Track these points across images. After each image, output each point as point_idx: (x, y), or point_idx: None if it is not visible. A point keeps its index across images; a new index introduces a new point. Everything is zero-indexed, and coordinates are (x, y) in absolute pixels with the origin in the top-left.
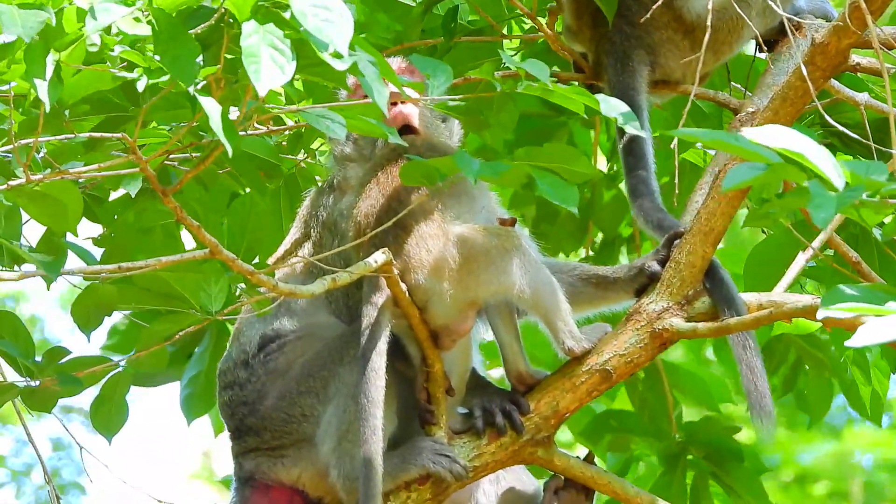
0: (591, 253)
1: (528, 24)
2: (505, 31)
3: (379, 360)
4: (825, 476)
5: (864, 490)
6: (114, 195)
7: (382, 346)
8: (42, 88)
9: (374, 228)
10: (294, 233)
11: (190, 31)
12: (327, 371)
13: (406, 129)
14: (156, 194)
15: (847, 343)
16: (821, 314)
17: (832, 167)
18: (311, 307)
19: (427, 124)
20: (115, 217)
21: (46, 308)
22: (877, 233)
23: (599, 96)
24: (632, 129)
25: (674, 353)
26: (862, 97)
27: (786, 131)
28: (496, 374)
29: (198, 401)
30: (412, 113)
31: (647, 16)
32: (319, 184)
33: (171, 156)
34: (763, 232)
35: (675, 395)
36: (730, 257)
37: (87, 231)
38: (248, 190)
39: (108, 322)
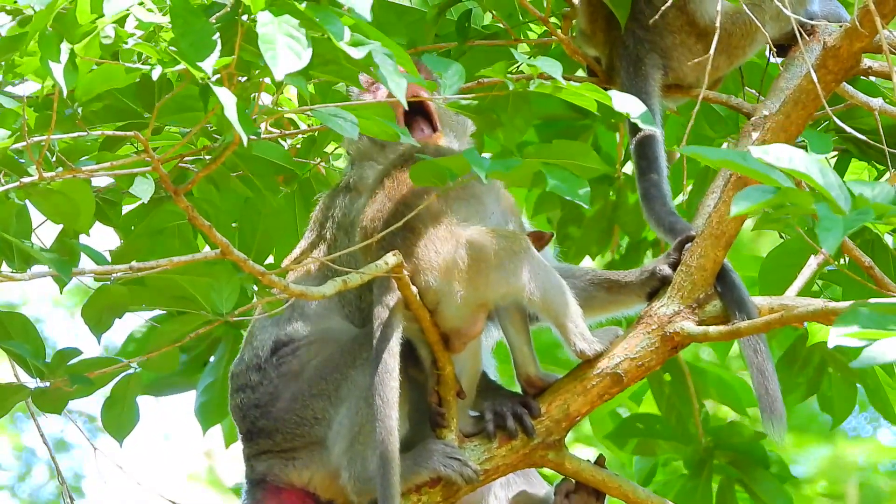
0: (616, 257)
1: (541, 28)
2: (519, 37)
3: (392, 361)
4: (821, 478)
5: (860, 492)
6: (127, 208)
7: (395, 347)
8: (58, 71)
9: (382, 232)
10: (308, 235)
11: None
12: (339, 374)
13: (418, 110)
14: (169, 196)
15: (852, 364)
16: (832, 341)
17: (838, 189)
18: (323, 311)
19: (440, 112)
20: (133, 228)
21: (46, 310)
22: (888, 239)
23: (612, 92)
24: (645, 126)
25: (702, 355)
26: (876, 102)
27: (793, 151)
28: None
29: (213, 409)
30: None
31: (657, 17)
32: (335, 185)
33: (184, 158)
34: (781, 236)
35: (701, 399)
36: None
37: (102, 238)
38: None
39: (126, 329)
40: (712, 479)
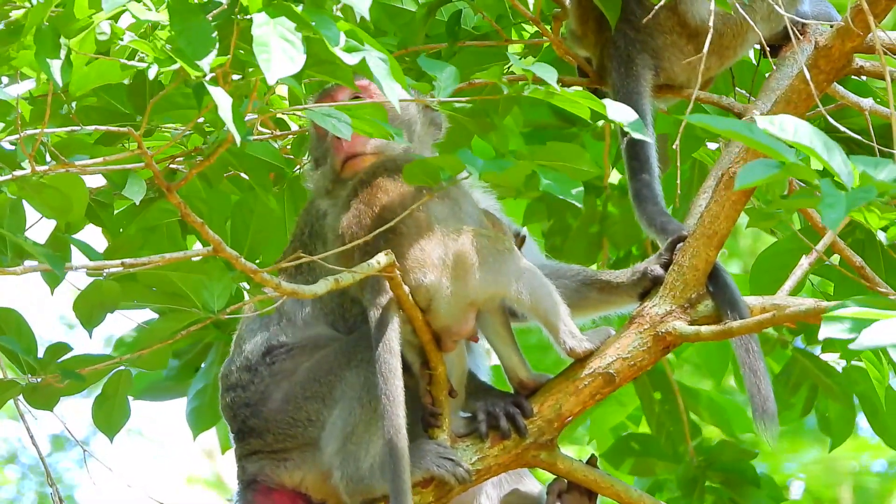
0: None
1: (532, 28)
2: (509, 38)
3: (394, 360)
4: (813, 482)
5: (854, 495)
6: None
7: (395, 346)
8: (55, 67)
9: (361, 239)
10: (292, 241)
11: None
12: (334, 375)
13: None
14: (161, 194)
15: (851, 346)
16: (823, 333)
17: (843, 165)
18: (310, 319)
19: (415, 134)
20: (122, 230)
21: (34, 308)
22: (881, 236)
23: (606, 101)
24: (637, 135)
25: (696, 381)
26: (867, 103)
27: (798, 122)
28: None
29: (204, 414)
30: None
31: (650, 16)
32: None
33: (177, 158)
34: (773, 232)
35: (692, 419)
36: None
37: (92, 241)
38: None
39: (115, 333)
40: (704, 499)
